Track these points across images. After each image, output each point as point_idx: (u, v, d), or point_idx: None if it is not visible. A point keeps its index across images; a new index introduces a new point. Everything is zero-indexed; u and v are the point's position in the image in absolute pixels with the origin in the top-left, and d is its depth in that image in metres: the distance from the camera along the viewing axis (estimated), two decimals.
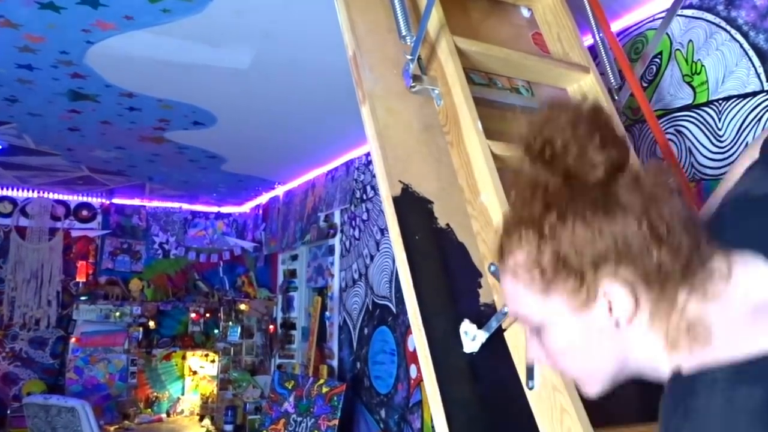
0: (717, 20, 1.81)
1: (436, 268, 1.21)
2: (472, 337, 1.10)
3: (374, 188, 3.68)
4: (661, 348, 0.75)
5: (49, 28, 2.28)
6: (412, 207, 1.25)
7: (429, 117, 1.38)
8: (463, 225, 1.25)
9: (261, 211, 5.80)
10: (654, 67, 2.00)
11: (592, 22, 1.71)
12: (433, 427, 1.08)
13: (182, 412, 5.59)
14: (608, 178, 0.76)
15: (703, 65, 1.85)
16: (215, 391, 5.27)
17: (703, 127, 1.83)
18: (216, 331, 5.56)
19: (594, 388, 0.81)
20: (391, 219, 1.23)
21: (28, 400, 3.83)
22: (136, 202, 5.89)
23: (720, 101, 1.79)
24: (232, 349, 5.23)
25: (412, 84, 1.36)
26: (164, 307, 5.75)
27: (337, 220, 4.21)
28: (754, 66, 1.70)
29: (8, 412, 4.92)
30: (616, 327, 0.76)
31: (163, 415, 5.49)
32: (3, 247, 5.31)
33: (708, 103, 1.82)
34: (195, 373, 5.75)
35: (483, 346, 1.10)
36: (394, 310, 3.41)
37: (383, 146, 1.29)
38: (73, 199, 5.62)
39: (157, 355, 5.62)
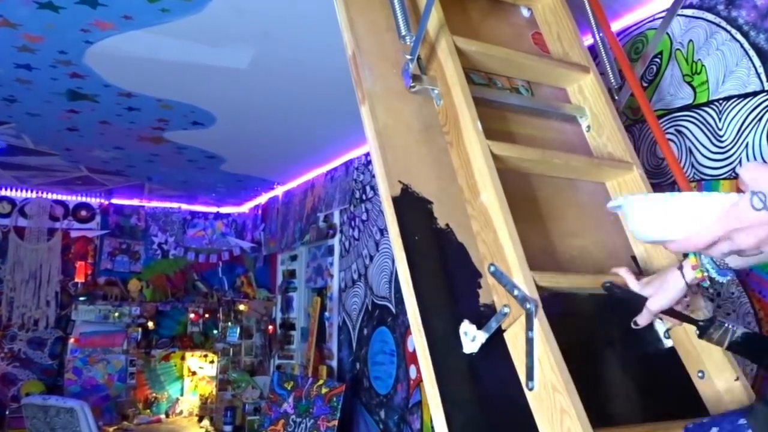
0: (717, 20, 1.81)
1: (435, 268, 1.20)
2: (471, 338, 1.10)
3: (374, 188, 3.68)
4: None
5: (47, 28, 2.27)
6: (412, 207, 1.24)
7: (429, 117, 1.38)
8: (463, 225, 1.25)
9: (260, 212, 5.80)
10: (654, 66, 2.00)
11: (592, 21, 1.70)
12: (432, 427, 1.08)
13: (181, 412, 5.59)
14: None
15: (703, 65, 1.85)
16: (214, 392, 5.27)
17: (703, 127, 1.83)
18: (215, 331, 5.55)
19: None
20: (391, 219, 1.22)
21: (26, 400, 3.82)
22: (135, 202, 5.89)
23: (720, 101, 1.78)
24: (231, 349, 5.23)
25: (412, 84, 1.35)
26: (163, 308, 5.74)
27: (336, 220, 4.20)
28: (754, 66, 1.70)
29: (7, 412, 4.91)
30: None
31: (162, 416, 5.49)
32: (2, 247, 5.31)
33: (708, 103, 1.82)
34: (194, 373, 5.74)
35: (483, 346, 1.10)
36: (394, 310, 3.40)
37: (383, 146, 1.28)
38: (72, 199, 5.62)
39: (156, 356, 5.62)
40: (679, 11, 1.89)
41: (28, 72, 2.70)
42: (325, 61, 2.51)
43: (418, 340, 1.12)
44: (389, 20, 1.42)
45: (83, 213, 5.67)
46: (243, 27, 2.27)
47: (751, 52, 1.71)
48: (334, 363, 4.08)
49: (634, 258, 1.41)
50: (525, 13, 1.75)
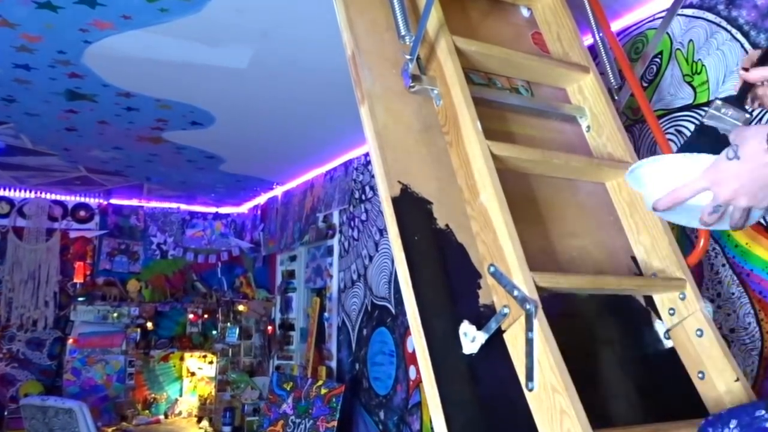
0: (718, 20, 1.81)
1: (435, 268, 1.20)
2: (471, 339, 1.09)
3: (373, 188, 3.68)
4: None
5: (46, 28, 2.27)
6: (412, 207, 1.24)
7: (428, 117, 1.37)
8: (463, 225, 1.24)
9: (259, 212, 5.80)
10: (654, 66, 2.00)
11: (592, 21, 1.70)
12: (432, 428, 1.07)
13: (180, 413, 5.58)
14: None
15: (703, 65, 1.84)
16: (213, 393, 5.26)
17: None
18: (214, 332, 5.55)
19: None
20: (390, 219, 1.22)
21: (25, 401, 3.82)
22: (134, 202, 5.88)
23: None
24: (230, 350, 5.23)
25: (411, 84, 1.35)
26: (162, 308, 5.74)
27: (335, 220, 4.20)
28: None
29: (5, 413, 4.91)
30: None
31: (161, 417, 5.48)
32: (0, 247, 5.30)
33: (708, 103, 1.81)
34: (193, 374, 5.74)
35: (482, 347, 1.09)
36: (393, 311, 3.40)
37: (382, 146, 1.28)
38: (71, 199, 5.61)
39: (155, 356, 5.62)
40: (679, 11, 1.89)
41: (27, 72, 2.69)
42: (324, 60, 2.51)
43: (417, 341, 1.11)
44: (389, 20, 1.42)
45: (82, 213, 5.66)
46: (242, 27, 2.26)
47: None
48: (334, 363, 4.07)
49: (633, 258, 1.41)
50: (525, 12, 1.74)
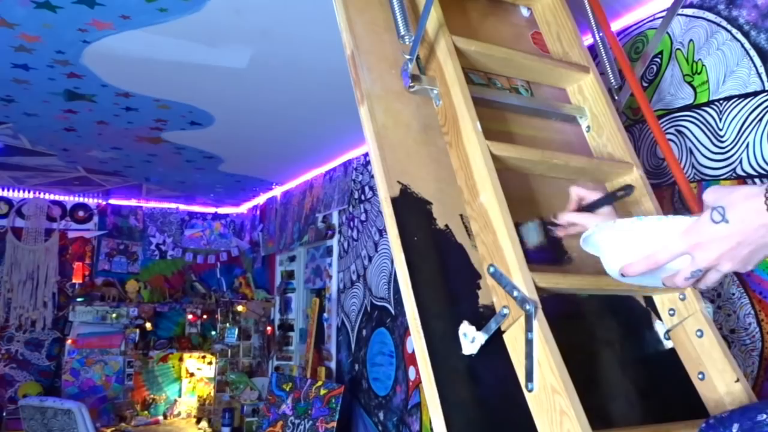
0: (718, 20, 1.80)
1: (434, 269, 1.19)
2: (471, 339, 1.09)
3: (372, 189, 3.67)
4: None
5: (45, 28, 2.26)
6: (411, 208, 1.24)
7: (428, 117, 1.37)
8: (463, 226, 1.24)
9: (258, 212, 5.79)
10: (654, 66, 2.00)
11: (592, 21, 1.70)
12: (431, 429, 1.07)
13: (179, 414, 5.57)
14: None
15: (703, 65, 1.84)
16: (212, 393, 5.25)
17: (703, 127, 1.82)
18: (213, 332, 5.54)
19: None
20: (390, 220, 1.22)
21: (24, 402, 3.81)
22: (133, 202, 5.88)
23: (721, 101, 1.78)
24: (229, 350, 5.22)
25: (411, 84, 1.34)
26: (161, 309, 5.73)
27: (335, 220, 4.20)
28: (755, 66, 1.70)
29: (4, 414, 4.90)
30: None
31: (160, 418, 5.47)
32: None
33: (709, 103, 1.81)
34: (192, 375, 5.73)
35: (482, 348, 1.09)
36: (393, 311, 3.39)
37: (382, 146, 1.28)
38: (70, 199, 5.61)
39: (153, 357, 5.61)
40: (680, 11, 1.89)
41: (25, 72, 2.69)
42: (323, 61, 2.51)
43: (417, 342, 1.11)
44: (388, 20, 1.41)
45: (81, 213, 5.65)
46: (241, 27, 2.26)
47: (752, 52, 1.70)
48: (333, 364, 4.07)
49: None
50: (525, 12, 1.74)
